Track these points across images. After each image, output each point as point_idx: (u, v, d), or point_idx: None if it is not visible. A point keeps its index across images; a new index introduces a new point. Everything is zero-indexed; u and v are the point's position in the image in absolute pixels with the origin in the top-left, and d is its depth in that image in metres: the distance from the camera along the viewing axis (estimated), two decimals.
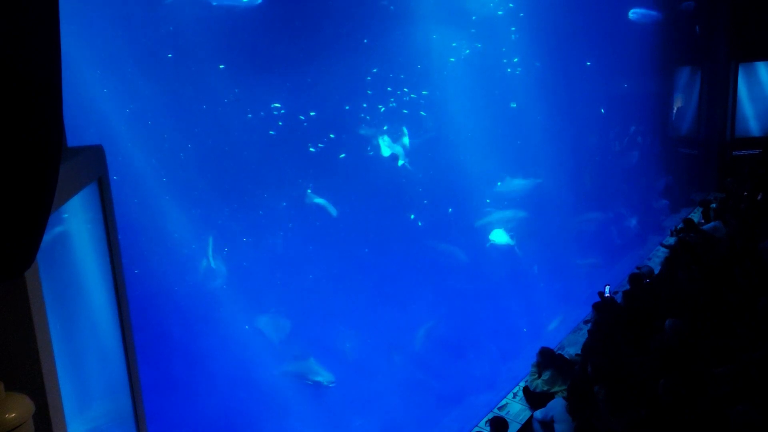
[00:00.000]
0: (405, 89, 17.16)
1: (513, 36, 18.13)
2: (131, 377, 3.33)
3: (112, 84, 13.79)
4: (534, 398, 8.50)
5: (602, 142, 20.37)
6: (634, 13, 17.91)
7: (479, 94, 17.58)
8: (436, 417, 11.95)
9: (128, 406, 3.34)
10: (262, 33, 14.87)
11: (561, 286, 15.71)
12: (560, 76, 17.98)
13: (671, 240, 12.72)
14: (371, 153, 16.10)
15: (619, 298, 9.83)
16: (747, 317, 6.91)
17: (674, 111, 20.06)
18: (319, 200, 15.52)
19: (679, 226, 12.46)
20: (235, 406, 12.61)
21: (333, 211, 15.30)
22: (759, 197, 11.92)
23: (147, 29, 14.19)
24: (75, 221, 2.82)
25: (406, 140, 15.68)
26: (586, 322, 10.89)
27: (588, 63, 19.00)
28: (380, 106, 16.83)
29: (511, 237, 15.46)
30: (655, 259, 13.22)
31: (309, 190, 15.61)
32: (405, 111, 17.05)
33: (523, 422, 8.40)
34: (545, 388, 8.41)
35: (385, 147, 15.48)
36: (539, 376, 8.59)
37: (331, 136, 16.38)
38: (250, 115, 15.74)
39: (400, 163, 15.39)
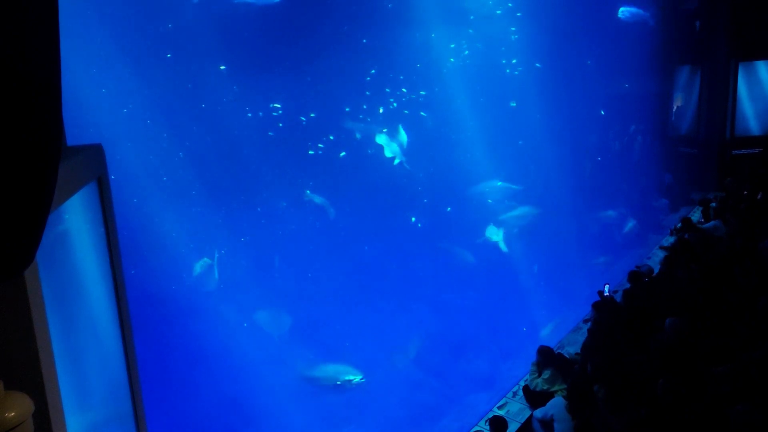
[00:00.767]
0: (404, 89, 17.16)
1: (513, 37, 18.12)
2: (131, 377, 3.33)
3: (112, 83, 13.79)
4: (534, 397, 8.50)
5: (602, 141, 20.36)
6: (623, 12, 17.80)
7: (479, 93, 17.58)
8: (436, 416, 11.95)
9: (128, 405, 3.34)
10: (261, 33, 14.87)
11: (561, 285, 15.71)
12: (560, 75, 17.97)
13: (671, 239, 12.73)
14: (370, 152, 16.10)
15: (618, 297, 9.84)
16: (747, 317, 6.92)
17: (674, 110, 20.06)
18: (318, 200, 15.51)
19: (678, 226, 12.48)
20: (236, 405, 12.61)
21: (331, 212, 15.29)
22: (759, 196, 11.94)
23: (147, 28, 14.18)
24: (74, 220, 2.82)
25: (403, 139, 15.65)
26: (585, 321, 10.90)
27: (588, 62, 18.99)
28: (380, 108, 16.83)
29: (500, 235, 15.56)
30: (655, 258, 13.23)
31: (308, 191, 15.62)
32: (406, 111, 17.04)
33: (522, 421, 8.41)
34: (545, 387, 8.41)
35: (384, 144, 15.46)
36: (539, 375, 8.59)
37: (330, 138, 16.38)
38: (249, 115, 15.74)
39: (397, 161, 15.38)
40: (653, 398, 6.05)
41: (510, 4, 17.96)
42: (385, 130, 15.66)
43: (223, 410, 12.44)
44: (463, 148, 17.35)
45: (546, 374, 8.47)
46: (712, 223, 11.99)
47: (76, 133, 3.16)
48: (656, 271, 11.16)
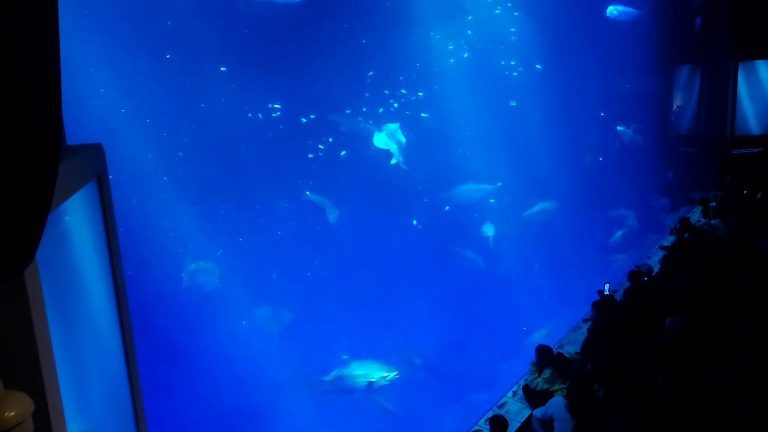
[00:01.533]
0: (403, 90, 17.15)
1: (513, 38, 18.11)
2: (131, 377, 3.33)
3: (111, 82, 13.77)
4: (533, 397, 8.51)
5: (602, 141, 20.36)
6: (611, 12, 17.56)
7: (478, 93, 17.57)
8: (436, 415, 11.95)
9: (128, 405, 3.34)
10: (262, 33, 14.86)
11: (561, 284, 15.72)
12: (559, 75, 17.96)
13: (670, 239, 12.74)
14: (370, 152, 16.08)
15: (618, 296, 9.84)
16: (747, 316, 6.93)
17: (674, 109, 20.05)
18: (318, 199, 15.49)
19: (677, 226, 12.49)
20: (236, 405, 12.61)
21: (331, 216, 15.23)
22: (759, 196, 11.95)
23: (147, 27, 14.17)
24: (74, 219, 2.82)
25: (401, 139, 15.61)
26: (585, 320, 10.90)
27: (588, 62, 18.96)
28: (379, 108, 16.82)
29: (491, 232, 15.63)
30: (655, 257, 13.23)
31: (308, 192, 15.60)
32: (407, 113, 17.03)
33: (522, 421, 8.41)
34: (545, 387, 8.42)
35: (381, 144, 15.42)
36: (539, 375, 8.60)
37: (330, 140, 16.37)
38: (249, 114, 15.73)
39: (393, 161, 15.34)
40: (653, 398, 6.05)
41: (509, 4, 17.95)
42: (383, 131, 15.63)
43: (222, 410, 12.44)
44: (463, 148, 17.34)
45: (546, 373, 8.49)
46: (711, 222, 12.00)
47: (76, 133, 3.15)
48: (656, 270, 11.17)
